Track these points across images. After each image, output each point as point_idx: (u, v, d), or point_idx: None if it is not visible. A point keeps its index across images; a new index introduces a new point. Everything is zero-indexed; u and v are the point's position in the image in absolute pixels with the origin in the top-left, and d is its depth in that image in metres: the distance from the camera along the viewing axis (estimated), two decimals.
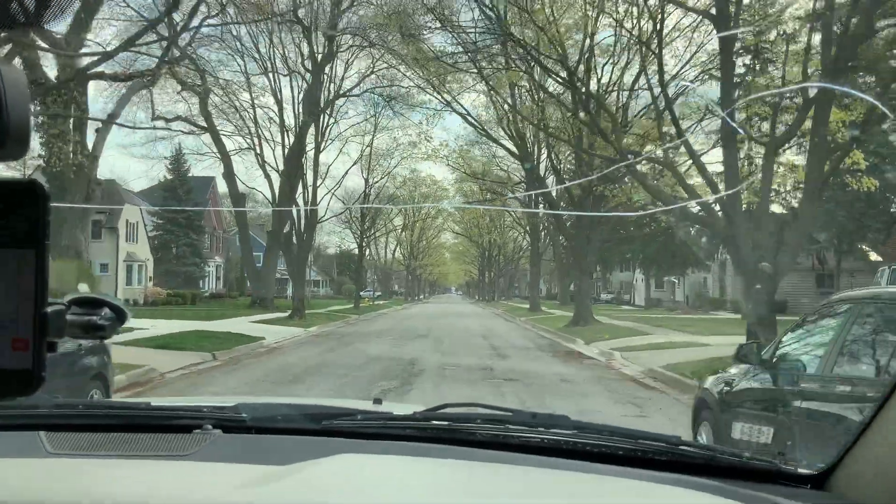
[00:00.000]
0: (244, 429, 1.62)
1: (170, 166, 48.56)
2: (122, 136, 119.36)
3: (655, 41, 14.50)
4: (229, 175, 33.13)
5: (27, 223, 0.67)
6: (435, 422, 1.66)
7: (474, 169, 35.84)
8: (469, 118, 26.13)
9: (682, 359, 13.94)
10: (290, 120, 31.42)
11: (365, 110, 35.98)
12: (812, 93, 11.52)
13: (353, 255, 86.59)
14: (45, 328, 0.67)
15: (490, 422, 1.67)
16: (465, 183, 56.67)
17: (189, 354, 14.77)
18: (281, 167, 30.53)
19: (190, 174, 49.12)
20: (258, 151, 31.53)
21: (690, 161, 14.86)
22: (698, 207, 12.78)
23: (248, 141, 31.81)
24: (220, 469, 1.41)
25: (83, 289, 16.07)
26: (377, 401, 2.09)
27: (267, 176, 31.59)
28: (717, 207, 12.85)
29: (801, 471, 1.50)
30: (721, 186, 13.07)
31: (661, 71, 14.41)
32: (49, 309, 0.68)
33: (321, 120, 31.00)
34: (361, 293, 73.90)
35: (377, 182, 45.63)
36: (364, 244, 51.12)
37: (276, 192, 31.90)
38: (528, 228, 46.64)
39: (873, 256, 38.10)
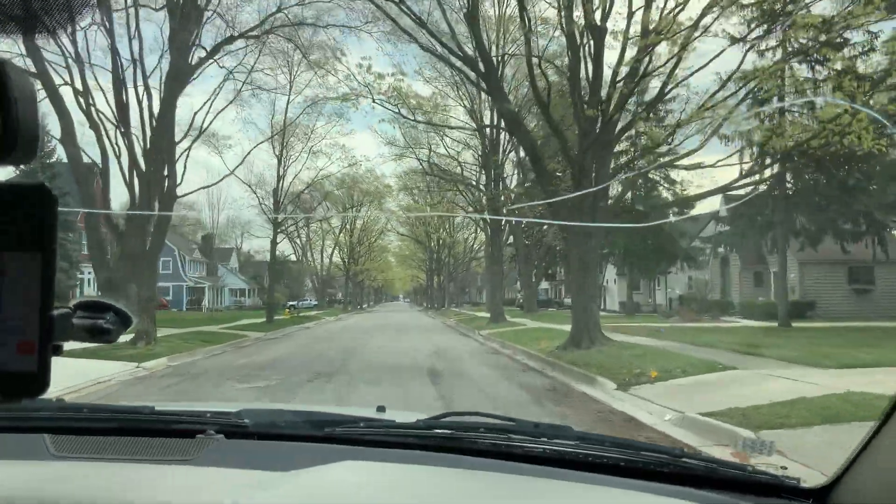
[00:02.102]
0: (247, 434, 1.61)
1: None
2: None
3: None
4: (68, 137, 23.10)
5: (34, 226, 0.66)
6: (438, 430, 1.63)
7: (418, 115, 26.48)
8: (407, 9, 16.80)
9: None
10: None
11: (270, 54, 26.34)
12: None
13: (289, 261, 77.15)
14: (50, 331, 0.66)
15: (493, 431, 1.62)
16: (409, 173, 47.58)
17: None
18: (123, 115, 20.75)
19: (56, 157, 38.64)
20: (79, 89, 21.50)
21: None
22: None
23: (64, 77, 21.71)
24: (223, 474, 1.41)
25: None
26: (380, 408, 2.01)
27: (94, 126, 21.61)
28: None
29: (804, 485, 1.47)
30: None
31: None
32: (55, 312, 0.67)
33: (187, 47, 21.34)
34: (292, 303, 64.55)
35: (295, 160, 36.13)
36: (277, 240, 41.34)
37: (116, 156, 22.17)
38: (486, 219, 37.51)
39: None
